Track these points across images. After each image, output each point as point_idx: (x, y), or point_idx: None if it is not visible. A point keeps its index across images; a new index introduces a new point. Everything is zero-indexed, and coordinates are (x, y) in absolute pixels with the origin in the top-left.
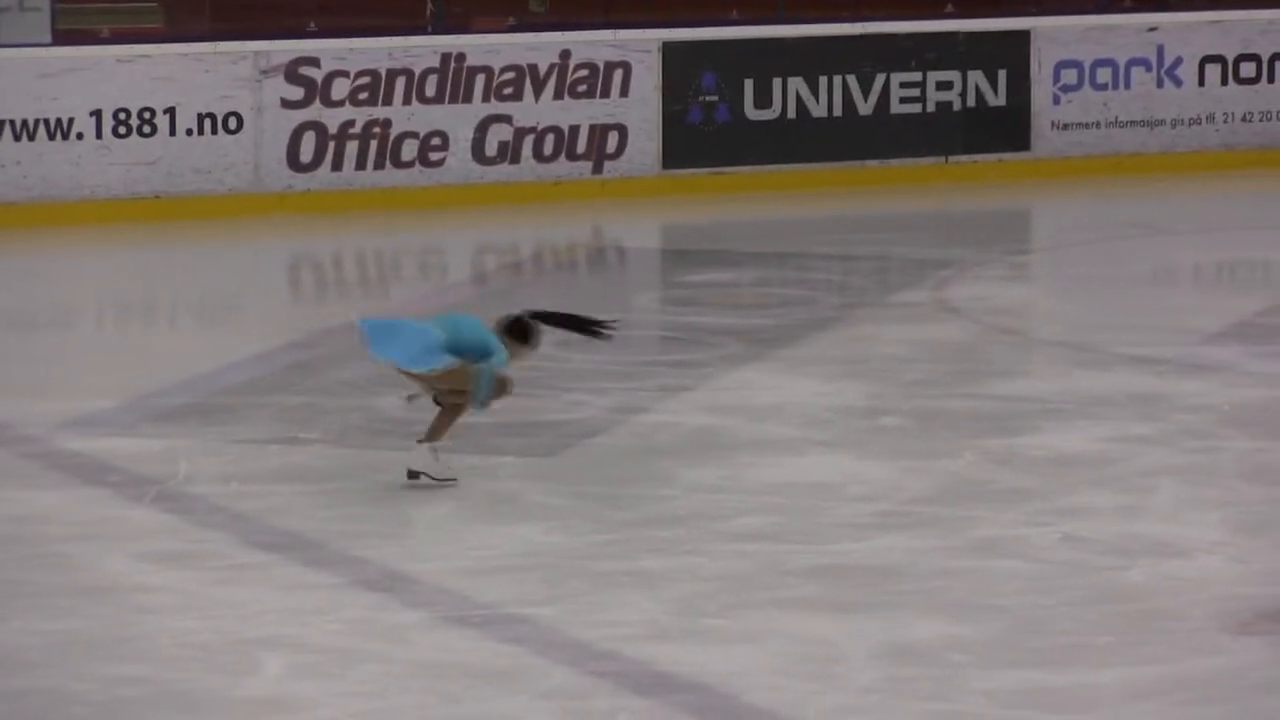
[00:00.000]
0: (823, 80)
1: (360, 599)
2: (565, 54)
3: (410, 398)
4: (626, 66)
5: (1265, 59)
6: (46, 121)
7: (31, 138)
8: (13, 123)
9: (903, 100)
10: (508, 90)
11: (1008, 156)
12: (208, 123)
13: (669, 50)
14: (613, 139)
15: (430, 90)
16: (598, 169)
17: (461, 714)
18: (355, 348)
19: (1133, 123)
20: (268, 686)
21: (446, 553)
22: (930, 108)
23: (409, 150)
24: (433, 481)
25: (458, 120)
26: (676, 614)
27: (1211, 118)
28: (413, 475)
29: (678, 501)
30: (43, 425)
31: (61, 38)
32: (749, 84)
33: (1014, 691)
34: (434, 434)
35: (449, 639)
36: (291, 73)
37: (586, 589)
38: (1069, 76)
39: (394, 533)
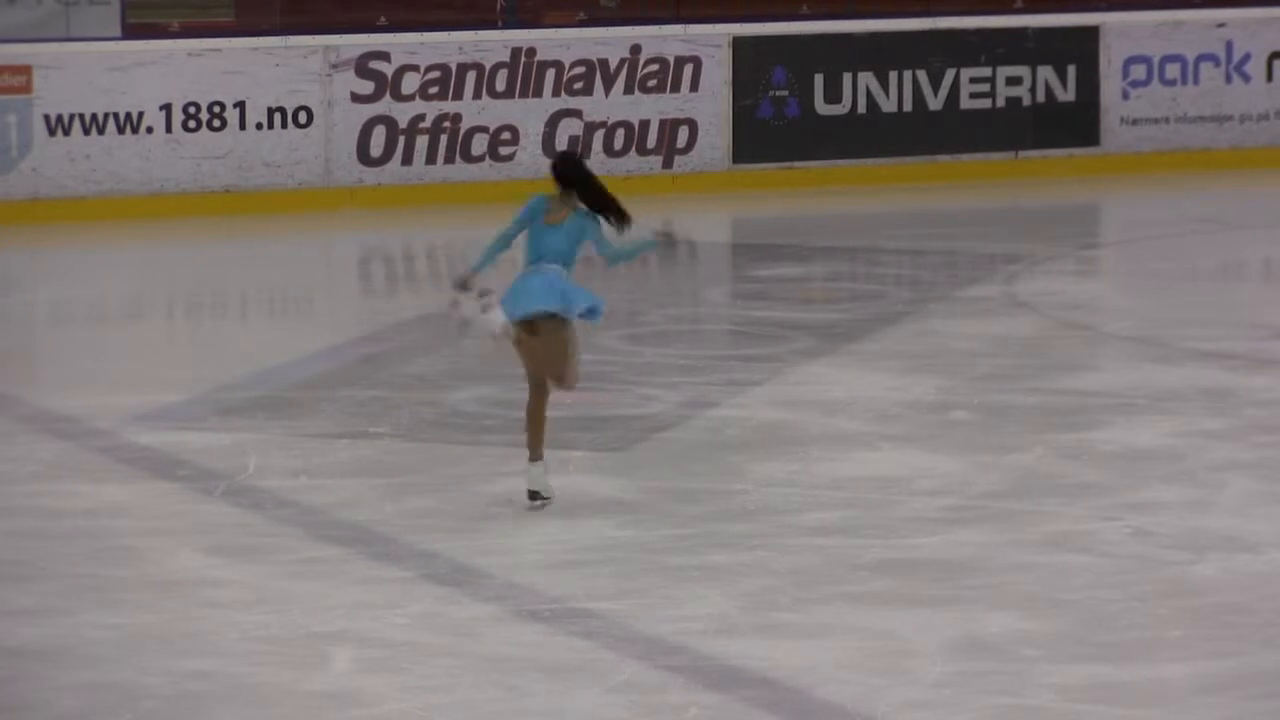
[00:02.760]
0: (893, 75)
1: (429, 593)
2: (636, 49)
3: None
4: (697, 61)
5: None
6: (116, 115)
7: (101, 131)
8: (83, 116)
9: (972, 95)
10: (578, 85)
11: (1077, 152)
12: (278, 117)
13: (739, 45)
14: (683, 134)
15: (501, 84)
16: (668, 164)
17: (531, 708)
18: (425, 341)
19: (1201, 118)
20: (336, 680)
21: (516, 547)
22: (1000, 103)
23: (479, 145)
24: (547, 501)
25: (528, 115)
26: (747, 608)
27: None
28: (535, 497)
29: (748, 496)
30: (113, 419)
31: (132, 31)
32: (819, 79)
33: (1084, 686)
34: (539, 447)
35: (519, 633)
36: (362, 67)
37: (657, 583)
38: (1138, 72)
39: (463, 527)
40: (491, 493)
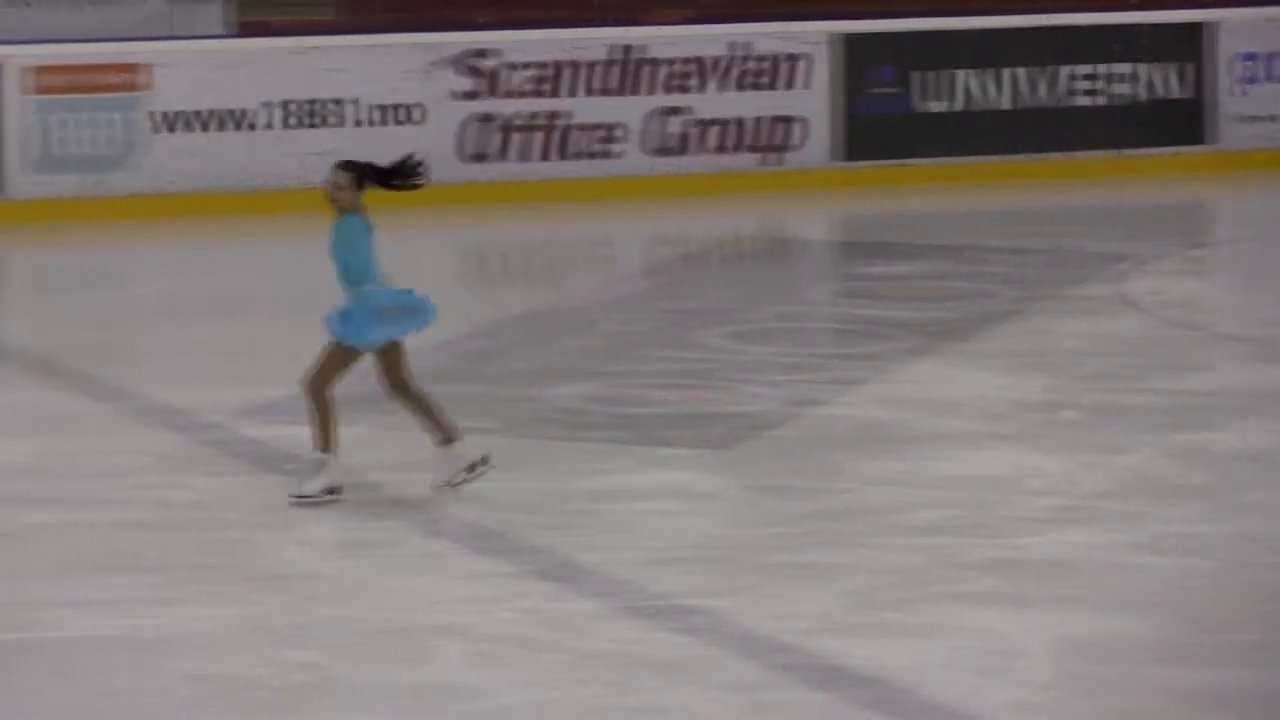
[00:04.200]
0: (1000, 72)
1: (535, 588)
2: (740, 45)
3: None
4: (802, 58)
5: None
6: (221, 112)
7: (206, 128)
8: (188, 114)
9: (1080, 92)
10: (682, 82)
11: (1186, 149)
12: (381, 114)
13: (845, 42)
14: (788, 131)
15: (603, 82)
16: (772, 161)
17: (635, 705)
18: (527, 338)
19: None
20: (443, 674)
21: (621, 543)
22: (1108, 100)
23: (581, 142)
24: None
25: (631, 112)
26: (851, 607)
27: None
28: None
29: (852, 495)
30: (222, 412)
31: (240, 30)
32: (925, 76)
33: (1194, 690)
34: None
35: (623, 629)
36: (464, 64)
37: (761, 581)
38: (1249, 69)
39: (569, 523)
40: (595, 489)
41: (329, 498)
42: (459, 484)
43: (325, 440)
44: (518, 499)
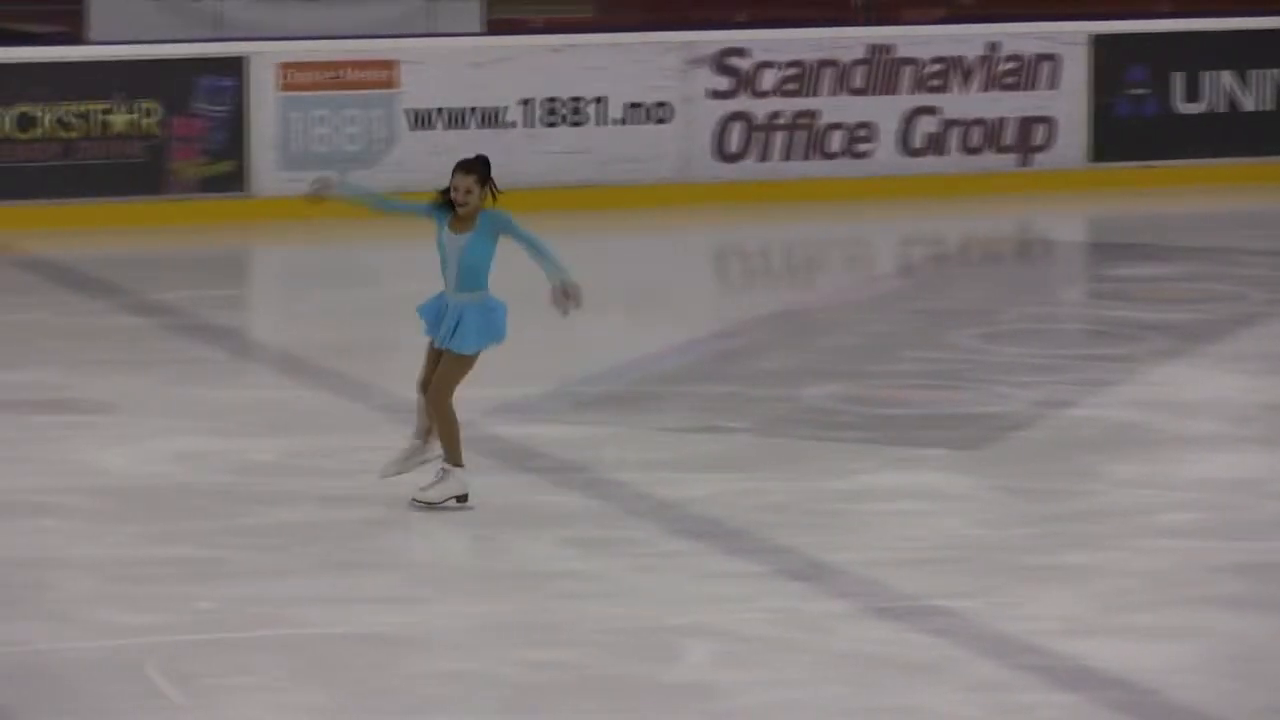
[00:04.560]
0: (1254, 74)
1: (783, 588)
2: (994, 46)
3: None
4: (1056, 59)
5: None
6: (477, 110)
7: (458, 126)
8: (444, 111)
9: None
10: (935, 82)
11: None
12: (636, 113)
13: (1099, 43)
14: (1041, 131)
15: (857, 81)
16: (1025, 161)
17: (883, 705)
18: (779, 337)
19: None
20: (690, 674)
21: (870, 543)
22: None
23: (835, 141)
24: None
25: (885, 111)
26: (1101, 609)
27: None
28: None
29: (1102, 496)
30: (471, 411)
31: (494, 27)
32: (1179, 77)
33: None
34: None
35: (871, 630)
36: (720, 63)
37: (1010, 582)
38: None
39: (818, 523)
40: (845, 489)
41: (456, 505)
42: (438, 505)
43: (456, 454)
44: (767, 499)
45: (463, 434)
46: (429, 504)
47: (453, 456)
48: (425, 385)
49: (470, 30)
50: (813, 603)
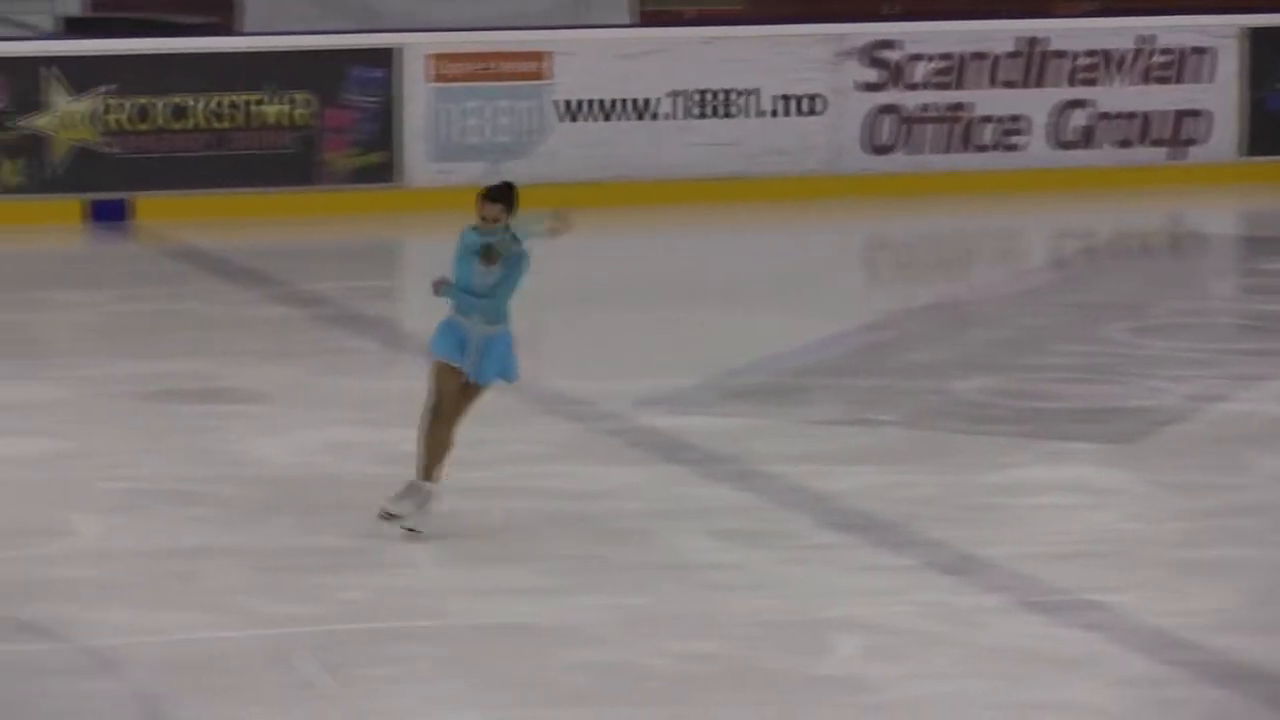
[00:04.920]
0: None
1: (934, 582)
2: (1146, 39)
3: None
4: (1208, 52)
5: None
6: (628, 102)
7: (608, 118)
8: (595, 103)
9: None
10: (1087, 75)
11: None
12: (786, 105)
13: (1252, 36)
14: (1193, 125)
15: (1009, 74)
16: (1177, 155)
17: (1034, 700)
18: (930, 330)
19: None
20: (840, 667)
21: (1021, 537)
22: None
23: (986, 134)
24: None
25: (1036, 104)
26: (1255, 604)
27: None
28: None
29: (1255, 491)
30: (622, 402)
31: (646, 19)
32: None
33: None
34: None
35: (1022, 624)
36: (870, 56)
37: (1162, 576)
38: None
39: (969, 516)
40: (996, 483)
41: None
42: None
43: (438, 470)
44: (918, 492)
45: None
46: (395, 515)
47: (437, 472)
48: (450, 407)
49: (621, 21)
50: (963, 596)
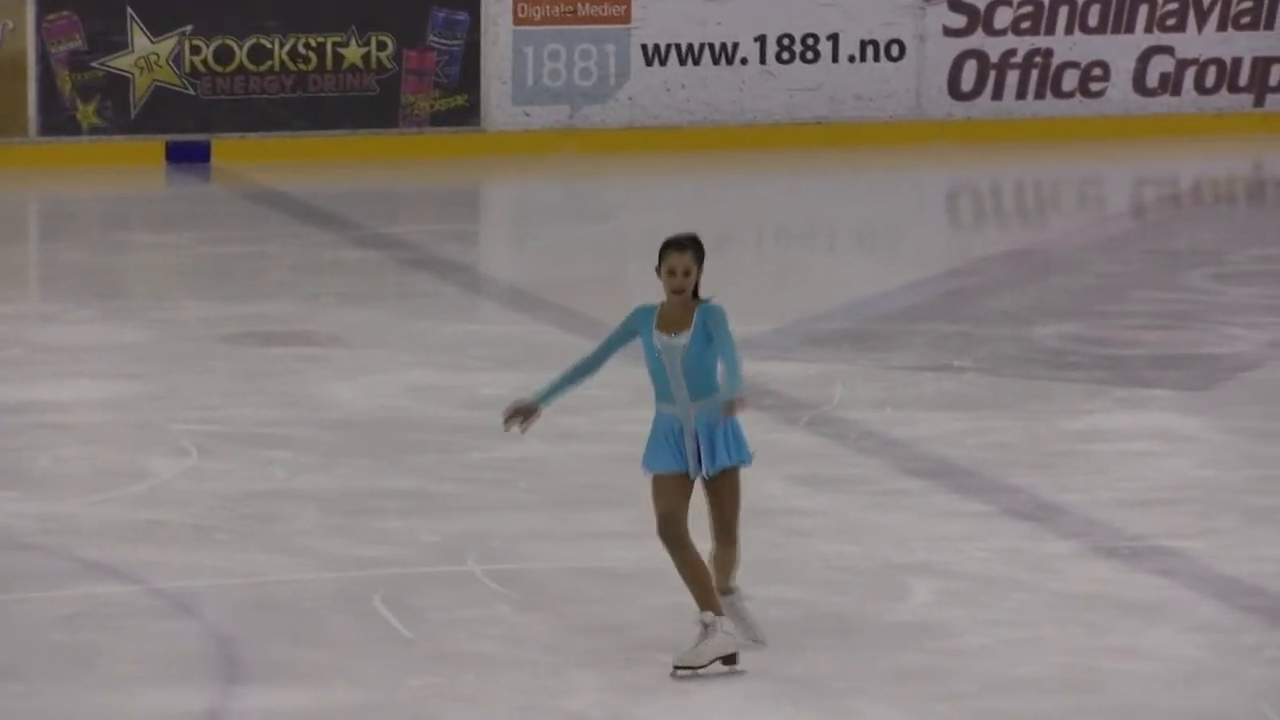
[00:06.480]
0: None
1: (1010, 528)
2: None
3: None
4: None
5: None
6: (711, 46)
7: (696, 62)
8: (678, 47)
9: None
10: (1170, 21)
11: None
12: (870, 50)
13: None
14: (1276, 72)
15: (1093, 20)
16: (1259, 102)
17: (1108, 645)
18: (1010, 277)
19: None
20: (917, 612)
21: (1097, 484)
22: None
23: (1069, 80)
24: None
25: (1119, 51)
26: None
27: None
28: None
29: None
30: None
31: None
32: None
33: None
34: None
35: (1097, 570)
36: (955, 1)
37: (1238, 524)
38: None
39: (1045, 462)
40: (1073, 429)
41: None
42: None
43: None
44: (996, 438)
45: None
46: (694, 668)
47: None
48: (674, 527)
49: None
50: (1039, 542)
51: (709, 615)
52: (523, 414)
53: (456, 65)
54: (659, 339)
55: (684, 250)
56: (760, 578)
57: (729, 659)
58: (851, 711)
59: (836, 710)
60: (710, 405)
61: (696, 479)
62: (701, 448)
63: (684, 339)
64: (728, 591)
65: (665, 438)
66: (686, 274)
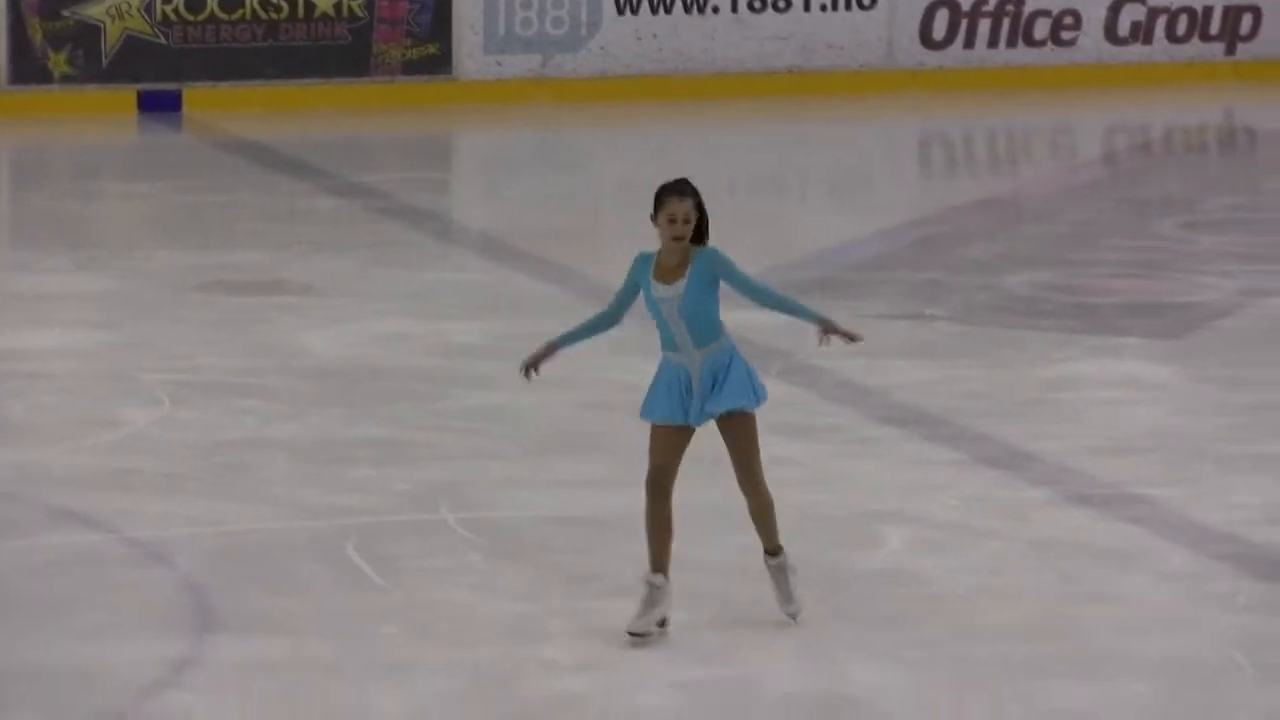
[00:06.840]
0: None
1: (981, 475)
2: None
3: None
4: None
5: None
6: None
7: (668, 11)
8: None
9: None
10: None
11: None
12: None
13: None
14: (1247, 21)
15: None
16: (1230, 50)
17: (1079, 593)
18: (981, 225)
19: None
20: (888, 560)
21: (1069, 432)
22: None
23: (1041, 29)
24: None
25: (1091, 0)
26: None
27: None
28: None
29: None
30: None
31: None
32: None
33: None
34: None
35: (1068, 518)
36: None
37: (1210, 471)
38: None
39: (1016, 411)
40: (1045, 377)
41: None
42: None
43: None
44: (967, 386)
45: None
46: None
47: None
48: (663, 480)
49: None
50: (1010, 490)
51: (659, 578)
52: (538, 360)
53: (428, 14)
54: (657, 289)
55: (684, 196)
56: (732, 525)
57: (662, 622)
58: (825, 658)
59: (810, 656)
60: (719, 351)
61: (699, 427)
62: (718, 385)
63: (679, 288)
64: (773, 552)
65: (668, 387)
66: (687, 221)
